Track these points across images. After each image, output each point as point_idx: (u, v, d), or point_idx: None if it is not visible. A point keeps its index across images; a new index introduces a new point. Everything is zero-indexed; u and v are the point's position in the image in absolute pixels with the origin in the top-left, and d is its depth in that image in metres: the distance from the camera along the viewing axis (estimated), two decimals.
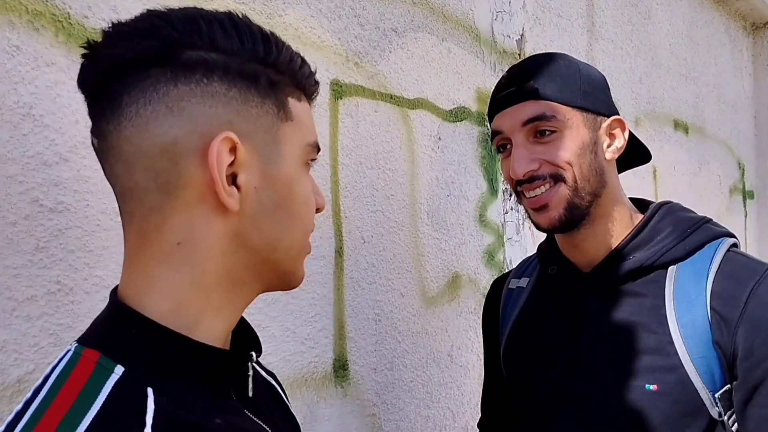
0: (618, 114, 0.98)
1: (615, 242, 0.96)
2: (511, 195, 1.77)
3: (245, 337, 0.66)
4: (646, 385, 0.89)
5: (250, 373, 0.62)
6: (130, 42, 0.53)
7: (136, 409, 0.50)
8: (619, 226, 0.97)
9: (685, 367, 0.87)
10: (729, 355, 0.87)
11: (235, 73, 0.55)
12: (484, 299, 1.22)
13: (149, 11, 0.55)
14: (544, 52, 1.01)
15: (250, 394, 0.62)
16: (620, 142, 0.96)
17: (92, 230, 0.91)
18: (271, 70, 0.57)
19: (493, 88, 0.99)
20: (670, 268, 0.94)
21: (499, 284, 1.17)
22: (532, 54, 1.83)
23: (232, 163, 0.54)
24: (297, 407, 1.21)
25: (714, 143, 3.07)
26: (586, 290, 0.98)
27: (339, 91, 1.30)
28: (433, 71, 1.54)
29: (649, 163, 1.06)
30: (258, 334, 0.67)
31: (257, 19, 1.13)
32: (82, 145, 0.89)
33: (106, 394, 0.50)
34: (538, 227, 0.96)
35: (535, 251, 1.13)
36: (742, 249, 0.98)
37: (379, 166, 1.39)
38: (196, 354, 0.56)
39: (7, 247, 0.82)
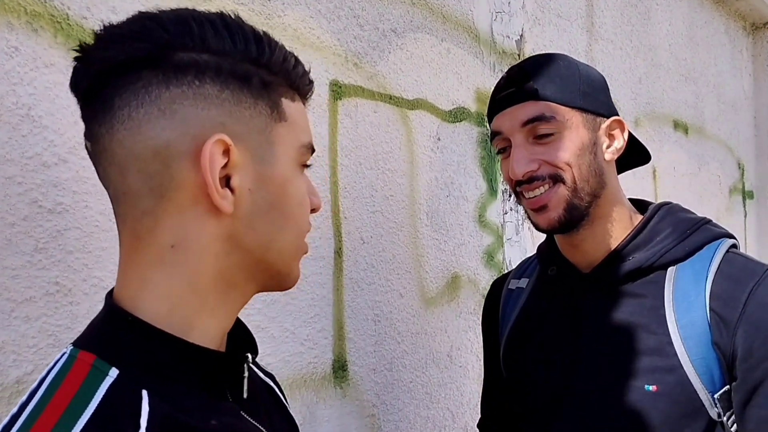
0: (617, 114, 0.98)
1: (614, 243, 0.96)
2: (510, 195, 1.77)
3: (241, 339, 0.65)
4: (646, 386, 0.89)
5: (246, 374, 0.62)
6: (122, 44, 0.52)
7: (130, 411, 0.50)
8: (618, 227, 0.97)
9: (685, 368, 0.87)
10: (728, 356, 0.87)
11: (227, 74, 0.55)
12: (483, 300, 1.22)
13: (140, 13, 0.55)
14: (543, 52, 1.01)
15: (245, 395, 0.62)
16: (619, 142, 0.96)
17: (91, 231, 0.91)
18: (263, 71, 0.57)
19: (493, 88, 0.99)
20: (670, 269, 0.94)
21: (498, 285, 1.17)
22: (531, 54, 1.83)
23: (225, 165, 0.54)
24: (296, 408, 1.20)
25: (714, 143, 3.07)
26: (586, 291, 0.98)
27: (338, 91, 1.30)
28: (432, 72, 1.54)
29: (648, 164, 1.07)
30: (254, 336, 0.67)
31: (256, 20, 1.13)
32: (81, 146, 0.89)
33: (101, 396, 0.50)
34: (538, 228, 0.96)
35: (534, 252, 1.13)
36: (742, 249, 0.98)
37: (379, 166, 1.39)
38: (191, 356, 0.56)
39: (6, 248, 0.82)
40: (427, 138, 1.52)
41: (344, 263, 1.31)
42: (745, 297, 0.87)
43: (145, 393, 0.51)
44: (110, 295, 0.58)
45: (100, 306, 0.59)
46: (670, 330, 0.89)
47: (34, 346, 0.84)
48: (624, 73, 2.34)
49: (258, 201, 0.57)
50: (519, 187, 0.95)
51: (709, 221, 0.99)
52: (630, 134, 0.99)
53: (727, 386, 0.88)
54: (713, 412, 0.88)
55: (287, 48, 0.60)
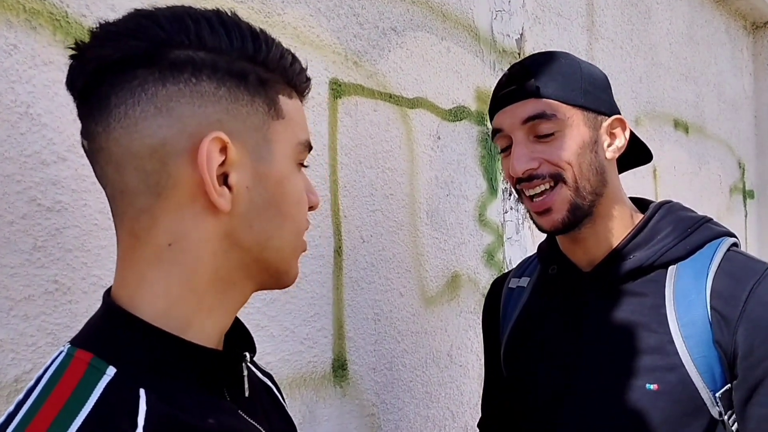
0: (619, 113, 0.98)
1: (615, 241, 0.96)
2: (510, 194, 1.77)
3: (239, 338, 0.65)
4: (647, 385, 0.89)
5: (245, 373, 0.62)
6: (118, 42, 0.52)
7: (128, 409, 0.50)
8: (619, 226, 0.97)
9: (686, 367, 0.87)
10: (729, 354, 0.87)
11: (223, 72, 0.54)
12: (483, 299, 1.22)
13: (136, 10, 0.55)
14: (545, 50, 1.01)
15: (246, 394, 0.61)
16: (621, 141, 0.96)
17: (90, 229, 0.90)
18: (260, 68, 0.57)
19: (495, 86, 0.99)
20: (671, 267, 0.93)
21: (499, 284, 1.17)
22: (531, 53, 1.83)
23: (222, 163, 0.54)
24: (296, 407, 1.20)
25: (714, 143, 3.06)
26: (587, 290, 0.98)
27: (338, 90, 1.30)
28: (432, 70, 1.54)
29: (649, 163, 1.06)
30: (254, 335, 0.67)
31: (255, 18, 1.13)
32: (79, 144, 0.88)
33: (98, 395, 0.50)
34: (541, 229, 0.97)
35: (534, 250, 1.13)
36: (743, 249, 0.97)
37: (379, 165, 1.39)
38: (188, 354, 0.55)
39: (5, 246, 0.82)
40: (427, 137, 1.52)
41: (344, 262, 1.31)
42: (745, 295, 0.87)
43: (142, 391, 0.51)
44: (108, 293, 0.58)
45: (99, 304, 0.59)
46: (671, 328, 0.89)
47: (33, 344, 0.84)
48: (624, 72, 2.34)
49: (255, 199, 0.57)
50: (519, 185, 0.95)
51: (709, 220, 0.98)
52: (632, 133, 0.98)
53: (728, 385, 0.88)
54: (714, 411, 0.88)
55: (286, 46, 0.60)
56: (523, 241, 1.82)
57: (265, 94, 0.57)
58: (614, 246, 0.96)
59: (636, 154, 1.04)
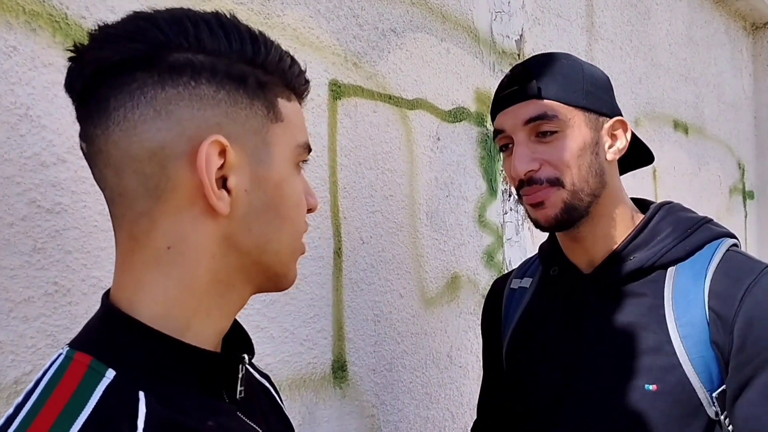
0: (621, 114, 0.98)
1: (616, 242, 0.97)
2: (510, 195, 1.77)
3: (238, 340, 0.65)
4: (646, 385, 0.89)
5: (241, 375, 0.61)
6: (116, 45, 0.52)
7: (127, 412, 0.50)
8: (620, 226, 0.97)
9: (684, 367, 0.88)
10: (726, 354, 0.87)
11: (222, 75, 0.54)
12: (483, 300, 1.22)
13: (135, 13, 0.55)
14: (545, 51, 1.01)
15: (241, 396, 0.61)
16: (622, 143, 0.97)
17: (90, 231, 0.90)
18: (259, 71, 0.57)
19: (497, 87, 0.99)
20: (670, 268, 0.94)
21: (500, 284, 1.17)
22: (531, 54, 1.83)
23: (221, 166, 0.54)
24: (295, 408, 1.20)
25: (714, 143, 3.06)
26: (588, 291, 0.98)
27: (337, 91, 1.30)
28: (432, 71, 1.54)
29: (650, 165, 1.07)
30: (253, 336, 0.67)
31: (255, 19, 1.13)
32: (79, 146, 0.89)
33: (98, 397, 0.50)
34: (537, 224, 0.97)
35: (534, 252, 1.13)
36: (743, 249, 0.97)
37: (378, 166, 1.39)
38: (187, 357, 0.55)
39: (5, 248, 0.82)
40: (426, 138, 1.52)
41: (344, 263, 1.31)
42: (741, 294, 0.87)
43: (142, 394, 0.51)
44: (107, 295, 0.58)
45: (99, 306, 0.59)
46: (669, 329, 0.89)
47: (33, 346, 0.84)
48: (624, 73, 2.34)
49: (254, 202, 0.57)
50: (521, 189, 0.95)
51: (710, 220, 0.99)
52: (633, 135, 0.99)
53: (725, 385, 0.88)
54: (711, 411, 0.88)
55: (286, 48, 0.60)
56: (523, 242, 1.82)
57: (264, 97, 0.57)
58: (615, 247, 0.96)
59: (637, 156, 1.04)
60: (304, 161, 0.63)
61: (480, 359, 1.62)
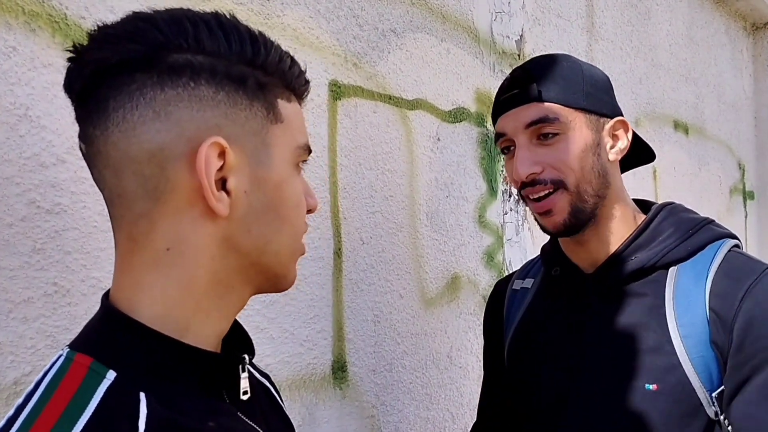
0: (621, 115, 0.98)
1: (617, 243, 0.97)
2: (510, 196, 1.77)
3: (238, 340, 0.65)
4: (646, 385, 0.89)
5: (243, 375, 0.61)
6: (116, 45, 0.52)
7: (128, 413, 0.50)
8: (622, 227, 0.97)
9: (684, 367, 0.88)
10: (725, 354, 0.87)
11: (222, 76, 0.54)
12: (483, 300, 1.22)
13: (134, 13, 0.54)
14: (545, 53, 1.01)
15: (244, 396, 0.61)
16: (623, 143, 0.97)
17: (89, 232, 0.90)
18: (259, 72, 0.56)
19: (497, 89, 0.99)
20: (672, 268, 0.94)
21: (502, 285, 1.17)
22: (531, 55, 1.83)
23: (221, 168, 0.54)
24: (295, 409, 1.20)
25: (714, 144, 3.06)
26: (589, 291, 0.98)
27: (337, 91, 1.30)
28: (432, 72, 1.54)
29: (649, 164, 1.07)
30: (253, 337, 0.67)
31: (255, 20, 1.13)
32: (78, 146, 0.89)
33: (99, 399, 0.49)
34: (545, 230, 0.97)
35: (534, 252, 1.13)
36: (743, 250, 0.97)
37: (378, 167, 1.39)
38: (187, 358, 0.55)
39: (4, 248, 0.82)
40: (426, 138, 1.52)
41: (344, 264, 1.30)
42: (742, 294, 0.87)
43: (142, 395, 0.51)
44: (106, 296, 0.57)
45: (98, 307, 0.59)
46: (669, 329, 0.90)
47: (32, 347, 0.84)
48: (624, 74, 2.34)
49: (254, 203, 0.57)
50: (523, 190, 0.95)
51: (711, 221, 0.99)
52: (634, 134, 0.99)
53: (723, 384, 0.88)
54: (711, 411, 0.88)
55: (285, 48, 0.60)
56: (523, 242, 1.82)
57: (264, 98, 0.57)
58: (616, 247, 0.97)
59: (638, 155, 1.04)
60: (304, 162, 0.63)
61: (480, 360, 1.62)
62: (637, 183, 2.31)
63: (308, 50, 1.23)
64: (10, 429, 0.49)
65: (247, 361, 0.63)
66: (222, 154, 0.54)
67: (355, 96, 1.34)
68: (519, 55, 1.81)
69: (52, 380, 0.52)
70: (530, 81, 0.93)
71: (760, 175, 3.56)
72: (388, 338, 1.40)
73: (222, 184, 0.55)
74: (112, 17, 0.93)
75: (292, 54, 0.60)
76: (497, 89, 0.99)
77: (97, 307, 0.59)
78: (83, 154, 0.56)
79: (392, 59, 1.43)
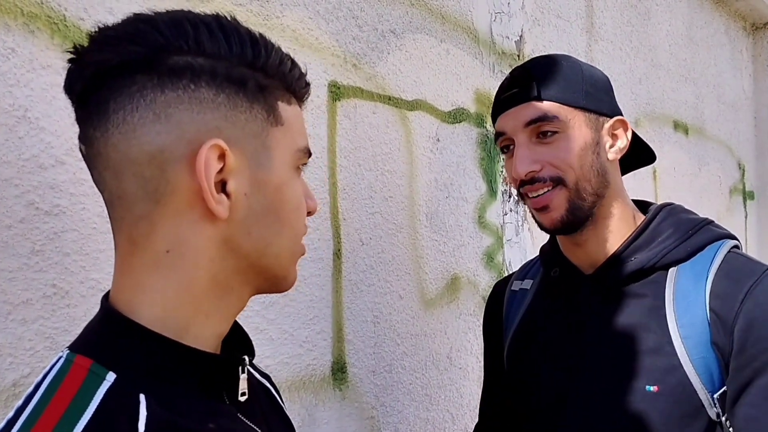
0: (621, 114, 0.98)
1: (617, 244, 0.97)
2: (510, 196, 1.77)
3: (238, 341, 0.65)
4: (647, 386, 0.89)
5: (242, 376, 0.61)
6: (116, 47, 0.52)
7: (128, 415, 0.50)
8: (621, 227, 0.97)
9: (685, 368, 0.88)
10: (726, 355, 0.87)
11: (222, 78, 0.54)
12: (483, 301, 1.22)
13: (135, 15, 0.54)
14: (545, 53, 1.01)
15: (243, 398, 0.61)
16: (623, 142, 0.97)
17: (88, 233, 0.90)
18: (259, 74, 0.56)
19: (497, 89, 1.00)
20: (671, 269, 0.94)
21: (501, 286, 1.17)
22: (531, 55, 1.83)
23: (221, 170, 0.54)
24: (295, 410, 1.20)
25: (714, 144, 3.06)
26: (589, 292, 0.98)
27: (337, 92, 1.29)
28: (431, 72, 1.54)
29: (652, 164, 1.07)
30: (253, 338, 0.67)
31: (254, 21, 1.13)
32: (78, 147, 0.89)
33: (98, 401, 0.50)
34: (542, 227, 0.97)
35: (534, 253, 1.13)
36: (743, 250, 0.97)
37: (378, 167, 1.39)
38: (187, 359, 0.55)
39: (3, 250, 0.82)
40: (426, 139, 1.52)
41: (343, 265, 1.30)
42: (742, 296, 0.87)
43: (142, 397, 0.51)
44: (106, 298, 0.57)
45: (97, 309, 0.59)
46: (670, 330, 0.90)
47: (31, 348, 0.84)
48: (624, 74, 2.33)
49: (254, 206, 0.57)
50: (522, 188, 0.95)
51: (711, 222, 0.99)
52: (634, 134, 0.99)
53: (726, 386, 0.88)
54: (712, 412, 0.88)
55: (285, 49, 0.60)
56: (523, 243, 1.82)
57: (264, 101, 0.57)
58: (616, 248, 0.96)
59: (639, 155, 1.04)
60: (304, 165, 0.63)
61: (480, 360, 1.62)
62: (637, 183, 2.31)
63: (307, 51, 1.23)
64: (10, 430, 0.49)
65: (247, 362, 0.63)
66: (222, 156, 0.54)
67: (355, 97, 1.34)
68: (519, 56, 1.81)
69: (51, 382, 0.52)
70: (530, 80, 0.93)
71: (759, 175, 3.56)
72: (387, 339, 1.40)
73: (222, 186, 0.55)
74: (111, 18, 0.93)
75: (291, 55, 0.60)
76: (497, 89, 1.00)
77: (96, 308, 0.59)
78: (83, 156, 0.56)
79: (392, 60, 1.43)
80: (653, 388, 0.88)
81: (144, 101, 0.52)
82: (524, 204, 0.99)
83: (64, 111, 0.88)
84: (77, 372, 0.51)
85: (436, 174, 1.55)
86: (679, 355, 0.88)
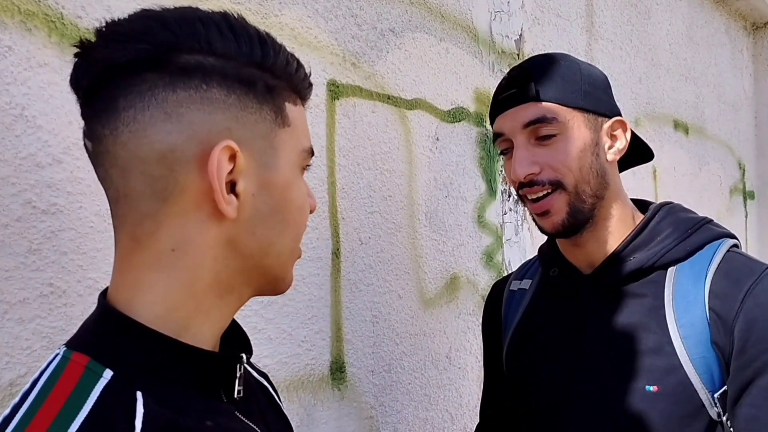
0: (620, 113, 0.98)
1: (616, 243, 0.96)
2: (510, 196, 1.77)
3: (236, 339, 0.65)
4: (646, 386, 0.89)
5: (239, 374, 0.62)
6: (126, 44, 0.52)
7: (125, 412, 0.50)
8: (620, 227, 0.97)
9: (685, 368, 0.87)
10: (726, 355, 0.87)
11: (233, 79, 0.54)
12: (482, 301, 1.22)
13: (144, 11, 0.54)
14: (544, 52, 1.01)
15: (239, 395, 0.61)
16: (622, 143, 0.96)
17: (86, 232, 0.90)
18: (268, 75, 0.57)
19: (495, 89, 0.99)
20: (670, 268, 0.93)
21: (500, 286, 1.17)
22: (530, 54, 1.83)
23: (231, 171, 0.54)
24: (294, 410, 1.20)
25: (714, 143, 3.06)
26: (588, 292, 0.98)
27: (336, 91, 1.29)
28: (431, 71, 1.53)
29: (649, 164, 1.06)
30: (251, 337, 0.67)
31: (253, 19, 1.12)
32: (75, 146, 0.89)
33: (95, 398, 0.49)
34: (543, 231, 0.97)
35: (533, 252, 1.13)
36: (743, 250, 0.97)
37: (377, 167, 1.39)
38: (185, 357, 0.55)
39: (0, 249, 0.82)
40: (425, 138, 1.52)
41: (342, 264, 1.30)
42: (742, 295, 0.87)
43: (139, 394, 0.51)
44: (103, 295, 0.57)
45: (95, 307, 0.58)
46: (669, 329, 0.89)
47: (28, 348, 0.84)
48: (624, 73, 2.33)
49: (260, 206, 0.57)
50: (521, 190, 0.95)
51: (710, 221, 0.98)
52: (633, 133, 0.98)
53: (726, 386, 0.88)
54: (713, 412, 0.88)
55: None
56: (522, 242, 1.82)
57: (273, 102, 0.57)
58: (614, 248, 0.96)
59: (637, 153, 1.04)
60: (308, 165, 0.63)
61: (479, 360, 1.62)
62: (637, 183, 2.30)
63: (306, 50, 1.23)
64: (6, 428, 0.49)
65: (245, 360, 0.63)
66: (233, 157, 0.54)
67: (354, 96, 1.33)
68: (518, 55, 1.81)
69: (48, 379, 0.51)
70: (528, 80, 0.93)
71: (760, 174, 3.55)
72: (386, 339, 1.40)
73: (231, 186, 0.55)
74: (108, 16, 0.92)
75: (296, 57, 0.60)
76: (495, 89, 0.99)
77: (93, 307, 0.58)
78: (88, 153, 0.56)
79: (391, 59, 1.42)
80: (653, 388, 0.88)
81: (155, 100, 0.52)
82: (524, 206, 0.98)
83: (62, 109, 0.87)
84: (74, 369, 0.51)
85: (435, 173, 1.55)
86: (679, 354, 0.88)
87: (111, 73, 0.52)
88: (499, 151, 1.00)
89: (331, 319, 1.28)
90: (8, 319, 0.82)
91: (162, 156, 0.52)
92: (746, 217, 3.41)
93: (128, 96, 0.52)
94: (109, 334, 0.54)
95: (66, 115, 0.88)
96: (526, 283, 1.11)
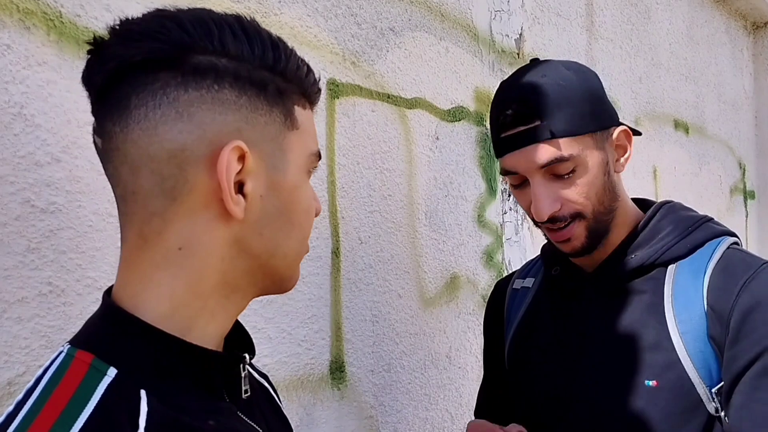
0: (617, 115, 0.97)
1: (617, 242, 0.97)
2: (510, 195, 1.77)
3: (239, 339, 0.66)
4: (646, 381, 0.89)
5: (244, 374, 0.62)
6: (141, 43, 0.52)
7: (129, 411, 0.50)
8: (621, 226, 0.97)
9: (683, 363, 0.88)
10: (722, 348, 0.87)
11: (245, 81, 0.55)
12: (483, 300, 1.22)
13: (158, 11, 0.55)
14: (535, 67, 0.94)
15: (244, 396, 0.62)
16: (628, 152, 0.97)
17: (84, 231, 0.90)
18: (279, 78, 0.57)
19: (495, 122, 0.94)
20: (671, 266, 0.94)
21: (502, 285, 1.18)
22: (530, 53, 1.83)
23: (239, 171, 0.54)
24: (293, 409, 1.20)
25: (714, 143, 3.06)
26: (590, 290, 0.99)
27: (336, 90, 1.29)
28: (430, 71, 1.53)
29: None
30: (252, 337, 0.67)
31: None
32: (74, 145, 0.88)
33: (99, 396, 0.50)
34: (562, 251, 0.97)
35: (534, 252, 1.13)
36: (742, 247, 0.97)
37: (377, 166, 1.39)
38: (189, 356, 0.56)
39: None
40: (425, 137, 1.52)
41: (342, 263, 1.30)
42: (738, 289, 0.87)
43: (143, 393, 0.51)
44: (108, 293, 0.58)
45: (94, 307, 0.59)
46: (668, 325, 0.90)
47: (27, 347, 0.84)
48: (624, 73, 2.33)
49: (268, 207, 0.57)
50: (543, 225, 0.95)
51: (710, 219, 0.99)
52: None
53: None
54: (711, 407, 0.88)
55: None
56: (523, 242, 1.81)
57: (283, 105, 0.58)
58: (616, 246, 0.97)
59: None
60: (315, 168, 0.63)
61: (479, 360, 1.61)
62: (637, 183, 2.30)
63: (306, 49, 1.23)
64: (9, 425, 0.49)
65: (248, 360, 0.63)
66: (242, 158, 0.54)
67: (354, 95, 1.33)
68: (518, 54, 1.81)
69: (52, 377, 0.52)
70: (534, 117, 0.89)
71: (760, 174, 3.55)
72: (386, 338, 1.40)
73: (239, 187, 0.55)
74: (108, 15, 0.93)
75: (306, 61, 0.61)
76: (494, 121, 0.94)
77: (92, 307, 0.58)
78: (97, 150, 0.56)
79: (391, 58, 1.42)
80: (652, 383, 0.89)
81: (167, 99, 0.52)
82: (539, 228, 0.98)
83: (60, 108, 0.87)
84: (78, 367, 0.51)
85: (435, 172, 1.54)
86: (677, 350, 0.88)
87: (124, 71, 0.52)
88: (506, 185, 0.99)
89: (330, 318, 1.27)
90: (7, 318, 0.82)
91: (172, 154, 0.53)
92: (746, 216, 3.41)
93: (140, 94, 0.52)
94: (114, 333, 0.55)
95: (65, 113, 0.88)
96: (528, 282, 1.12)
